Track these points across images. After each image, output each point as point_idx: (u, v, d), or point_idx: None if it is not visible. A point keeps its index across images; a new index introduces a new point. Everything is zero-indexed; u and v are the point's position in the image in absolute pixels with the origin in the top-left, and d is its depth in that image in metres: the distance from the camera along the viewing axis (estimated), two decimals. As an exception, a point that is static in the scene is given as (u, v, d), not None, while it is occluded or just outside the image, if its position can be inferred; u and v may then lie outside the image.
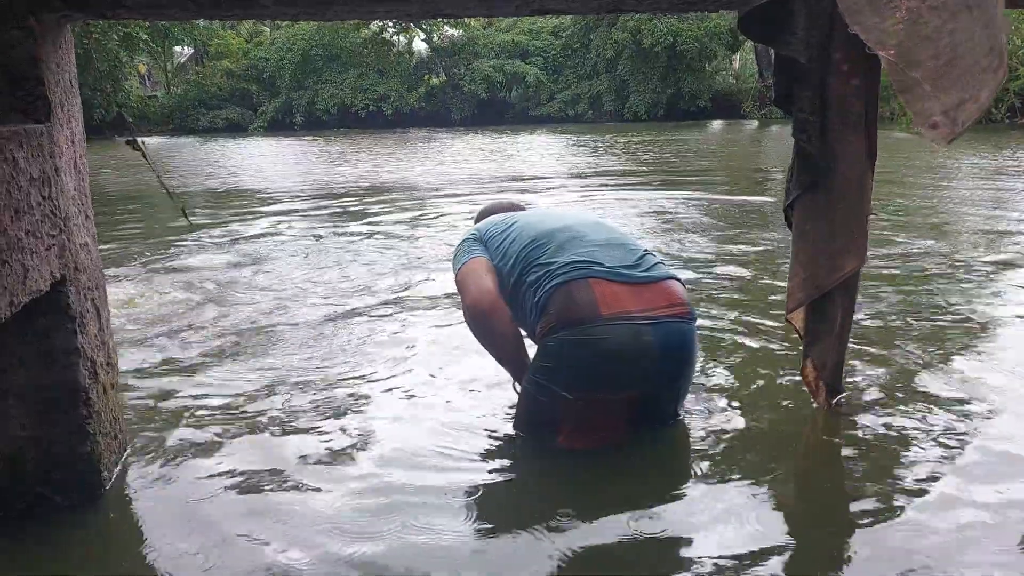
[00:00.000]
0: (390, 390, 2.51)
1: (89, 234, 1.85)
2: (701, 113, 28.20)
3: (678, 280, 2.07)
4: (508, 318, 2.07)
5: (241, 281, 4.17)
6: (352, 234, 5.71)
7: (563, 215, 2.30)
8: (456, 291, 2.22)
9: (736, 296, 3.61)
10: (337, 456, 2.06)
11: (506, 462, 2.02)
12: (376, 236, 5.58)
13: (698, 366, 2.39)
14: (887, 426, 2.14)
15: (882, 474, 1.90)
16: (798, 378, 2.31)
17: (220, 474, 1.96)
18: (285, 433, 2.20)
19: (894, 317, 3.16)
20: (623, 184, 8.76)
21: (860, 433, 2.11)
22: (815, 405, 2.23)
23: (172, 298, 3.80)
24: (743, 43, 28.77)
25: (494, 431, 2.18)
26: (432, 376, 2.62)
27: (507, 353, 2.13)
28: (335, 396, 2.46)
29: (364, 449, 2.10)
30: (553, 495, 1.86)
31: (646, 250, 2.11)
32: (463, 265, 2.17)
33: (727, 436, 2.12)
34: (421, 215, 6.65)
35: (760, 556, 1.57)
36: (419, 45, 31.99)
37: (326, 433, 2.19)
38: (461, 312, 2.20)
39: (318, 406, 2.38)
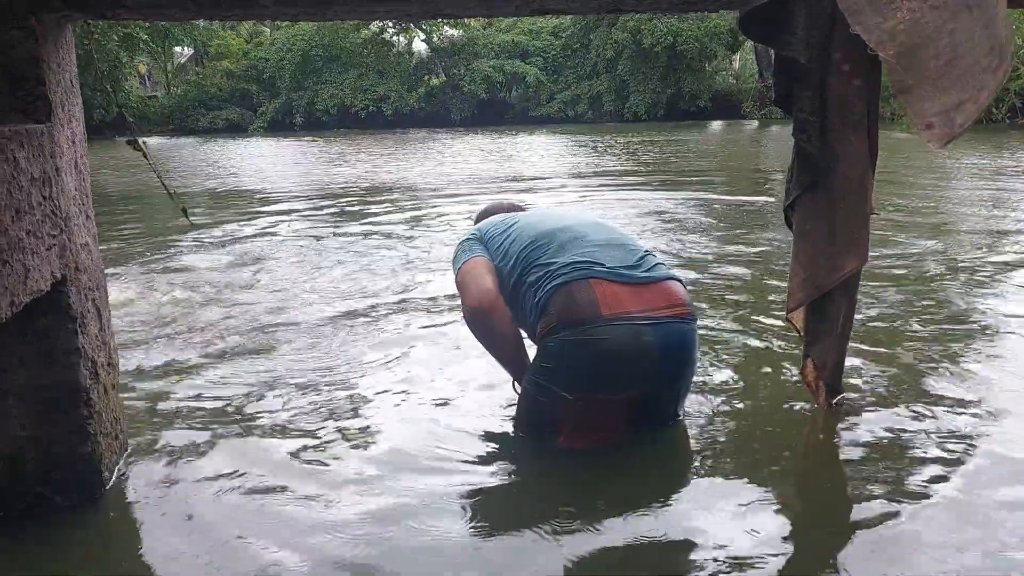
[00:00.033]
0: (390, 390, 2.51)
1: (90, 234, 1.85)
2: (701, 113, 28.19)
3: (679, 280, 2.07)
4: (508, 318, 2.07)
5: (241, 281, 4.17)
6: (352, 234, 5.71)
7: (563, 215, 2.30)
8: (456, 291, 2.22)
9: (736, 296, 3.61)
10: (337, 457, 2.06)
11: (506, 462, 2.02)
12: (375, 236, 5.58)
13: (699, 366, 2.39)
14: (887, 426, 2.14)
15: (882, 474, 1.90)
16: (798, 378, 2.31)
17: (220, 475, 1.96)
18: (285, 434, 2.20)
19: (895, 317, 3.17)
20: (623, 184, 8.75)
21: (860, 433, 2.11)
22: (815, 405, 2.23)
23: (172, 298, 3.80)
24: (743, 43, 28.79)
25: (494, 431, 2.18)
26: (432, 377, 2.62)
27: (507, 353, 2.13)
28: (335, 397, 2.46)
29: (364, 449, 2.10)
30: (553, 495, 1.86)
31: (646, 250, 2.11)
32: (463, 265, 2.17)
33: (727, 436, 2.12)
34: (421, 215, 6.64)
35: (760, 556, 1.57)
36: (419, 45, 31.99)
37: (326, 434, 2.19)
38: (461, 312, 2.20)
39: (318, 407, 2.38)
